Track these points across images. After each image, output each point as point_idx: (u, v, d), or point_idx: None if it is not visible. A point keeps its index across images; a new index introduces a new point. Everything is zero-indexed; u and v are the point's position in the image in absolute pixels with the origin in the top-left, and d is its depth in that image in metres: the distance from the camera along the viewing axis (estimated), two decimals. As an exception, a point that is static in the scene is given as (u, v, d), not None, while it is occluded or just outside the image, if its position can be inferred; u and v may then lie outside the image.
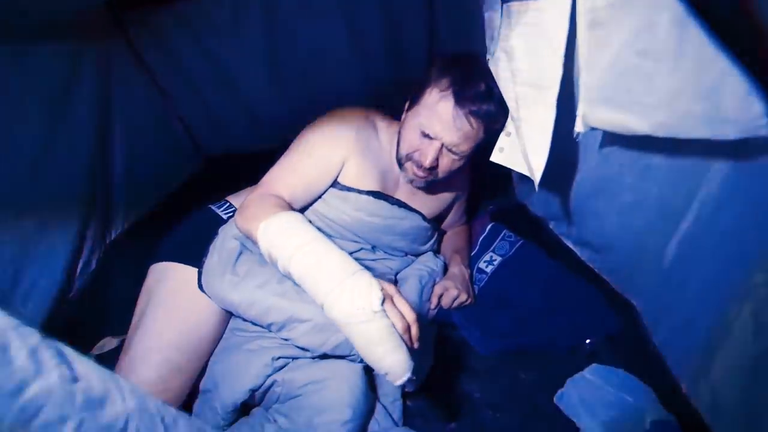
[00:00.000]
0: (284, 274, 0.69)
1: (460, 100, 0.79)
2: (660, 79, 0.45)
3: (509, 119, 0.75)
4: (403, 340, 0.59)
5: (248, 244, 0.86)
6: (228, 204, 1.00)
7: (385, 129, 0.97)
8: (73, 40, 0.95)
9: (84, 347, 0.92)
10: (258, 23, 1.21)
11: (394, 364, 0.57)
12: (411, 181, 0.92)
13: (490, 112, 0.79)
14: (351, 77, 1.38)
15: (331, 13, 1.23)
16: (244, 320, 0.83)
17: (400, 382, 0.57)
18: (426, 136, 0.83)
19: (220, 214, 0.97)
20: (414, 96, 0.88)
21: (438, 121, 0.80)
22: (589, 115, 0.56)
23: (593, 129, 0.59)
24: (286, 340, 0.79)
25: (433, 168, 0.86)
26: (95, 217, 1.03)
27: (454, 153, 0.84)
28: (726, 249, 0.59)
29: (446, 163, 0.86)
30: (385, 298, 0.59)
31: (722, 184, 0.56)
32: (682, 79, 0.44)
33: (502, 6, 0.73)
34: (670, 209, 0.66)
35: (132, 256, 1.04)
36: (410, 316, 0.60)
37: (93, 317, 1.01)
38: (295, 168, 0.88)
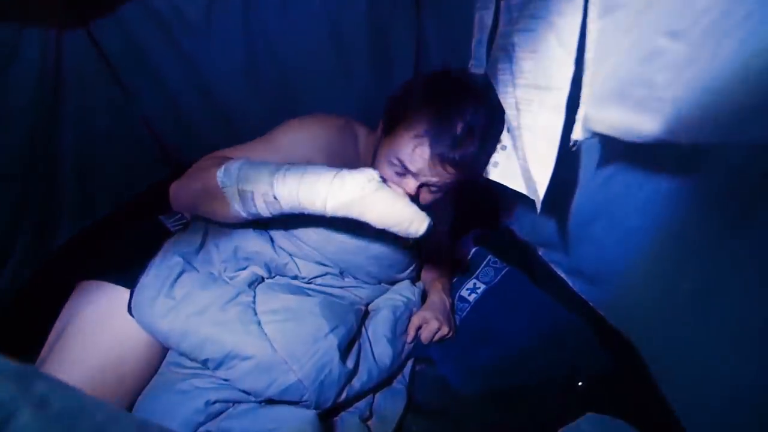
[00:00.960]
0: (263, 208, 0.63)
1: (436, 147, 0.67)
2: (693, 67, 0.34)
3: (505, 131, 0.63)
4: None
5: (193, 261, 0.71)
6: (180, 215, 0.86)
7: (364, 138, 0.85)
8: (15, 20, 0.81)
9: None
10: (236, 25, 1.09)
11: (416, 213, 0.59)
12: None
13: (469, 154, 0.68)
14: (334, 86, 1.27)
15: (315, 18, 1.12)
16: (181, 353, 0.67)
17: (424, 227, 0.59)
18: (401, 174, 0.72)
19: (169, 226, 0.82)
20: (387, 124, 0.75)
21: (413, 164, 0.69)
22: (593, 119, 0.44)
23: (593, 136, 0.47)
24: (225, 380, 0.64)
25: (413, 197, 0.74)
26: (27, 224, 0.87)
27: (432, 192, 0.74)
28: (755, 291, 0.47)
29: (426, 197, 0.75)
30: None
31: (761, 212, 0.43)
32: (723, 66, 0.33)
33: (498, 3, 0.62)
34: (686, 238, 0.54)
35: (75, 271, 0.88)
36: (401, 191, 0.65)
37: (17, 340, 0.84)
38: (247, 148, 0.75)
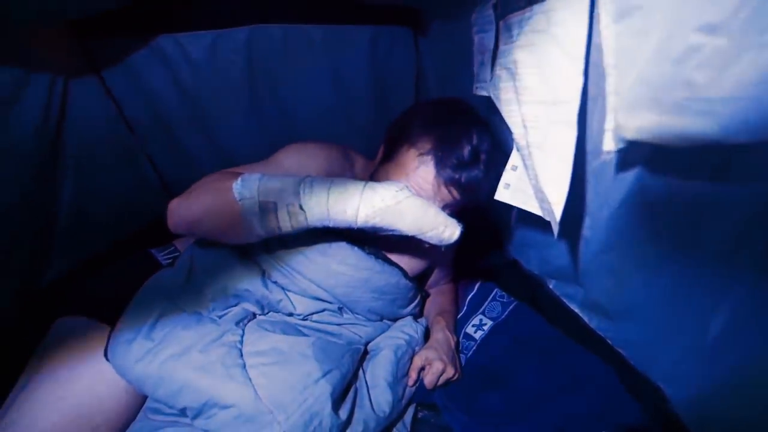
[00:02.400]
0: (287, 222, 0.57)
1: (441, 167, 0.64)
2: (738, 61, 0.28)
3: (514, 150, 0.57)
4: None
5: (178, 299, 0.63)
6: (173, 248, 0.79)
7: (361, 166, 0.80)
8: (22, 58, 0.79)
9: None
10: (239, 63, 1.08)
11: (449, 220, 0.57)
12: None
13: (474, 178, 0.65)
14: (335, 123, 1.24)
15: (316, 56, 1.11)
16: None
17: (457, 233, 0.57)
18: None
19: (160, 259, 0.75)
20: (389, 149, 0.71)
21: (416, 185, 0.65)
22: (625, 127, 0.38)
23: (626, 146, 0.40)
24: (205, 431, 0.54)
25: None
26: (21, 257, 0.81)
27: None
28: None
29: None
30: None
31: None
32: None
33: (497, 23, 0.58)
34: (718, 267, 0.46)
35: (59, 307, 0.80)
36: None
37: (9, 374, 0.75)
38: (251, 167, 0.72)
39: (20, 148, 0.79)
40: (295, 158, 0.72)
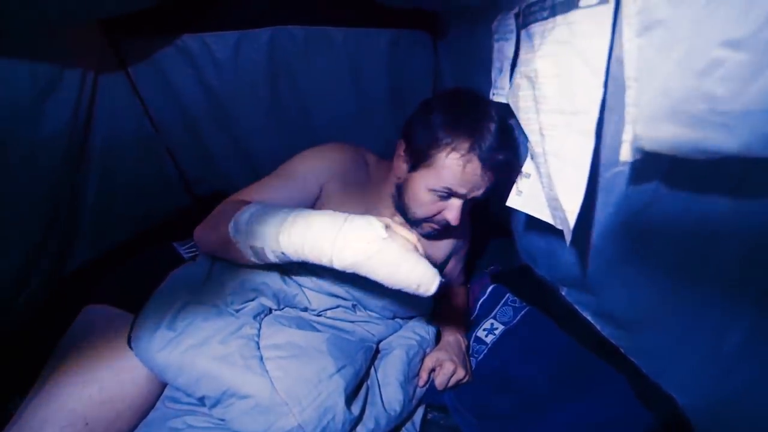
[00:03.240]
0: (276, 260, 0.59)
1: (484, 158, 0.68)
2: (761, 76, 0.28)
3: (528, 158, 0.58)
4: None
5: (199, 292, 0.65)
6: (194, 243, 0.82)
7: (374, 165, 0.82)
8: (56, 55, 0.82)
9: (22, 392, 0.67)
10: (261, 63, 1.10)
11: (423, 274, 0.53)
12: (425, 235, 0.80)
13: (510, 148, 0.70)
14: (353, 122, 1.25)
15: (336, 57, 1.12)
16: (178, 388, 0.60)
17: (434, 288, 0.52)
18: (445, 197, 0.72)
19: (182, 252, 0.78)
20: (417, 157, 0.73)
21: (464, 184, 0.69)
22: (645, 138, 0.38)
23: (643, 157, 0.41)
24: (221, 420, 0.56)
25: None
26: (51, 245, 0.84)
27: (474, 202, 0.75)
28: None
29: (465, 211, 0.75)
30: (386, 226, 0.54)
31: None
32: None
33: (518, 32, 0.59)
34: (738, 279, 0.46)
35: (84, 295, 0.83)
36: (412, 238, 0.56)
37: (37, 357, 0.78)
38: (264, 183, 0.73)
39: (51, 140, 0.82)
40: (309, 165, 0.75)
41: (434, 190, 0.71)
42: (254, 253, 0.59)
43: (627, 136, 0.40)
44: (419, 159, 0.72)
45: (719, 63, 0.30)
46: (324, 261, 0.54)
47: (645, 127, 0.39)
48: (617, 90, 0.42)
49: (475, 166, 0.67)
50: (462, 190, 0.70)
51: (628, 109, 0.40)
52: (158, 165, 1.17)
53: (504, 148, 0.68)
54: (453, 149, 0.68)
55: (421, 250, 0.56)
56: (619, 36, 0.40)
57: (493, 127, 0.67)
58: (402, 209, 0.78)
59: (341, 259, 0.53)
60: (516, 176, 0.65)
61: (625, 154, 0.40)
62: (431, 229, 0.78)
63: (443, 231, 0.80)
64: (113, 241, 1.03)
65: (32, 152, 0.77)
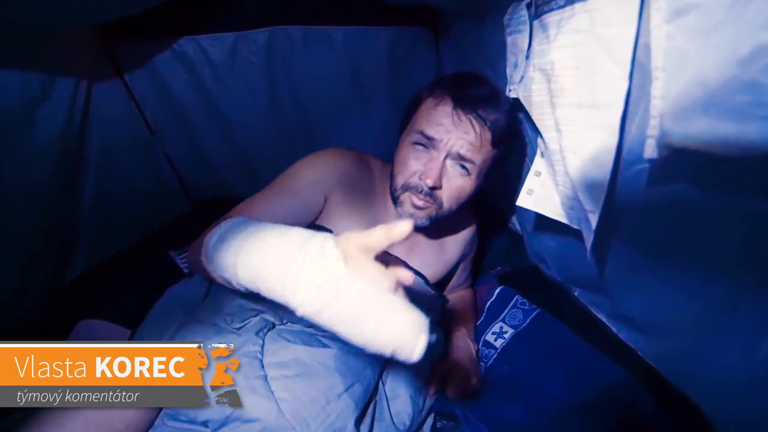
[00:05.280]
0: (253, 291, 0.45)
1: (460, 101, 0.63)
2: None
3: (538, 156, 0.54)
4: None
5: (197, 310, 0.61)
6: (192, 253, 0.78)
7: (378, 170, 0.78)
8: (49, 60, 0.79)
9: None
10: (259, 64, 1.07)
11: (398, 334, 0.35)
12: (411, 217, 0.69)
13: (497, 119, 0.63)
14: (353, 123, 1.22)
15: (336, 57, 1.09)
16: (178, 407, 0.57)
17: (417, 354, 0.35)
18: (423, 145, 0.65)
19: (179, 263, 0.74)
20: (406, 117, 0.71)
21: (436, 125, 0.63)
22: (674, 133, 0.35)
23: (669, 154, 0.37)
24: (225, 440, 0.53)
25: (435, 188, 0.66)
26: (49, 254, 0.81)
27: (460, 166, 0.65)
28: None
29: (451, 183, 0.66)
30: (346, 257, 0.38)
31: None
32: None
33: (531, 23, 0.55)
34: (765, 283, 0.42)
35: (81, 307, 0.80)
36: (404, 275, 0.40)
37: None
38: (264, 196, 0.67)
39: (46, 147, 0.79)
40: (312, 175, 0.69)
41: (412, 143, 0.66)
42: (229, 284, 0.48)
43: (652, 131, 0.36)
44: (404, 125, 0.71)
45: (765, 49, 0.27)
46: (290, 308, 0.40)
47: (674, 121, 0.36)
48: (644, 81, 0.39)
49: (447, 107, 0.64)
50: (435, 134, 0.63)
51: (653, 102, 0.36)
52: (156, 170, 1.14)
53: (487, 104, 0.63)
54: (429, 95, 0.67)
55: (412, 283, 0.43)
56: (645, 23, 0.37)
57: (486, 88, 0.65)
58: (392, 193, 0.71)
59: (296, 308, 0.39)
60: (511, 147, 0.64)
61: (650, 151, 0.37)
62: (415, 206, 0.68)
63: (445, 232, 0.74)
64: (112, 248, 1.00)
65: (25, 161, 0.74)
